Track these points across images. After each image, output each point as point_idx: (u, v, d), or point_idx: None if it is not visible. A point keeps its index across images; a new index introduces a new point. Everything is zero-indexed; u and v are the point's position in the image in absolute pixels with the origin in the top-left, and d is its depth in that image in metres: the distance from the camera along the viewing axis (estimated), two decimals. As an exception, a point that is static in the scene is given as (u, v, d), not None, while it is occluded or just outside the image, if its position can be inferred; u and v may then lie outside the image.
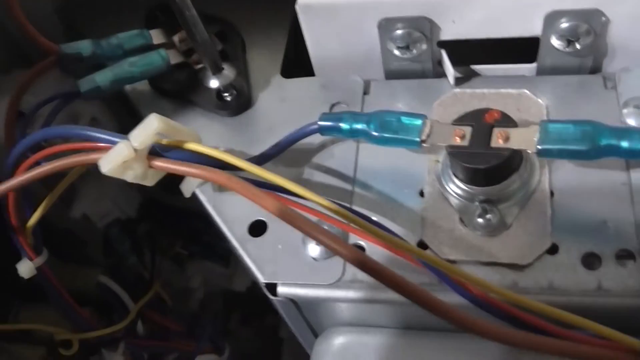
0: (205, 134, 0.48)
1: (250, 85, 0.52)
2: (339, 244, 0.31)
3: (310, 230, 0.32)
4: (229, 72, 0.51)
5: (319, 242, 0.32)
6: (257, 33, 0.56)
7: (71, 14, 0.60)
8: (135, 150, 0.38)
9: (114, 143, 0.38)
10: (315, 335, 0.47)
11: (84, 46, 0.50)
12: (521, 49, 0.46)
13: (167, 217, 0.76)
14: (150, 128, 0.38)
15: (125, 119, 0.58)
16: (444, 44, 0.46)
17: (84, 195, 0.63)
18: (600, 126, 0.36)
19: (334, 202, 0.38)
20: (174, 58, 0.52)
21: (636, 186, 0.40)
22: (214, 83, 0.51)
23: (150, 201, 0.72)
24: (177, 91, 0.53)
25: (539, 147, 0.37)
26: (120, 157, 0.37)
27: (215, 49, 0.50)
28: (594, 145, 0.36)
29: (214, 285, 0.82)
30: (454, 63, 0.48)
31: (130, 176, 0.39)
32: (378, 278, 0.30)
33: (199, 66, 0.52)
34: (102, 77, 0.49)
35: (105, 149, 0.39)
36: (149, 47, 0.52)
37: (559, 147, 0.37)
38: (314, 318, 0.46)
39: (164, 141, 0.40)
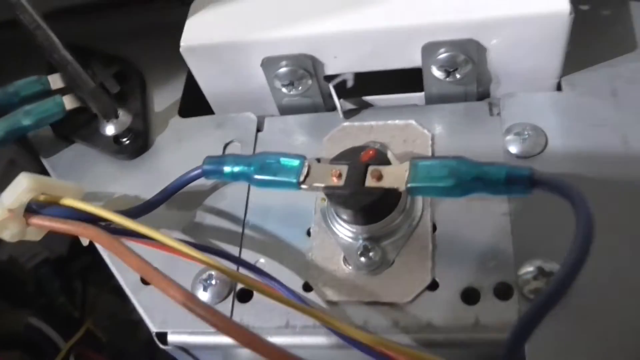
0: (105, 179, 0.49)
1: (149, 126, 0.51)
2: (194, 303, 0.31)
3: (171, 293, 0.32)
4: (124, 117, 0.50)
5: (177, 303, 0.32)
6: (157, 71, 0.55)
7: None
8: (9, 210, 0.38)
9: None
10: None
11: (-22, 94, 0.50)
12: (410, 78, 0.46)
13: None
14: (20, 188, 0.38)
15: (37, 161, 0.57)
16: (330, 78, 0.46)
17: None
18: (466, 162, 0.36)
19: (212, 254, 0.37)
20: (71, 103, 0.51)
21: (516, 216, 0.39)
22: (109, 129, 0.50)
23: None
24: (76, 136, 0.52)
25: (409, 185, 0.37)
26: (-8, 219, 0.37)
27: (104, 97, 0.49)
28: (460, 181, 0.36)
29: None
30: (346, 95, 0.48)
31: (7, 235, 0.39)
32: (213, 326, 0.30)
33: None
34: (-5, 128, 0.48)
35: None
36: (48, 93, 0.52)
37: (426, 185, 0.36)
38: (211, 363, 0.46)
39: (41, 197, 0.40)
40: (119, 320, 0.77)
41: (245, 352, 0.41)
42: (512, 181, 0.35)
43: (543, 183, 0.34)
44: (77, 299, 0.71)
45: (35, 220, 0.39)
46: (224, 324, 0.31)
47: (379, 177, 0.38)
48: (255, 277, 0.40)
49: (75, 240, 0.67)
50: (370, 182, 0.38)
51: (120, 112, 0.50)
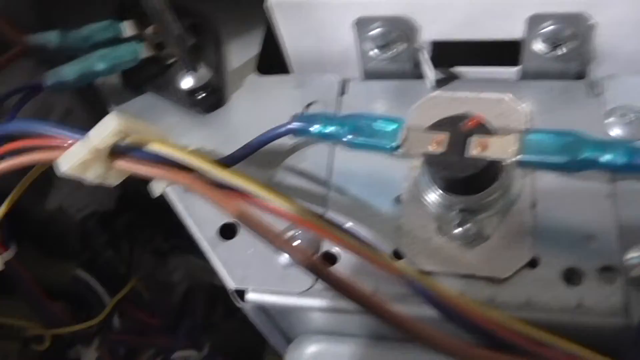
0: (177, 132, 0.47)
1: (224, 82, 0.50)
2: (296, 252, 0.30)
3: (269, 237, 0.31)
4: (204, 71, 0.49)
5: (278, 249, 0.30)
6: (233, 26, 0.54)
7: (46, 5, 0.57)
8: (95, 149, 0.36)
9: (75, 140, 0.36)
10: (288, 341, 0.46)
11: (51, 37, 0.48)
12: (506, 52, 0.45)
13: (148, 210, 0.74)
14: (110, 127, 0.37)
15: (102, 110, 0.56)
16: (424, 45, 0.45)
17: (60, 187, 0.62)
18: (582, 138, 0.35)
19: (305, 207, 0.36)
20: (145, 51, 0.50)
21: (621, 199, 0.38)
22: (187, 82, 0.48)
23: (131, 193, 0.70)
24: (148, 86, 0.50)
25: (517, 158, 0.35)
26: (77, 158, 0.35)
27: (186, 46, 0.47)
28: (575, 158, 0.34)
29: (197, 279, 0.80)
30: (435, 64, 0.46)
31: (90, 176, 0.38)
32: (335, 288, 0.28)
33: (171, 61, 0.50)
34: (68, 71, 0.47)
35: (66, 147, 0.37)
36: (120, 40, 0.50)
37: (537, 159, 0.35)
38: (285, 325, 0.44)
39: (128, 139, 0.38)
40: (155, 282, 0.76)
41: (322, 316, 0.40)
42: (634, 160, 0.33)
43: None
44: (124, 253, 0.70)
45: (121, 162, 0.37)
46: (332, 279, 0.29)
47: (484, 147, 0.37)
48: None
49: (122, 195, 0.66)
50: (473, 151, 0.37)
51: (200, 65, 0.49)
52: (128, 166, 0.38)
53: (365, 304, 0.28)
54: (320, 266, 0.29)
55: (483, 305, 0.33)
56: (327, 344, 0.42)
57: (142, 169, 0.37)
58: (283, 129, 0.41)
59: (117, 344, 0.68)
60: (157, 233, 0.76)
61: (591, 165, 0.34)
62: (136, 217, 0.72)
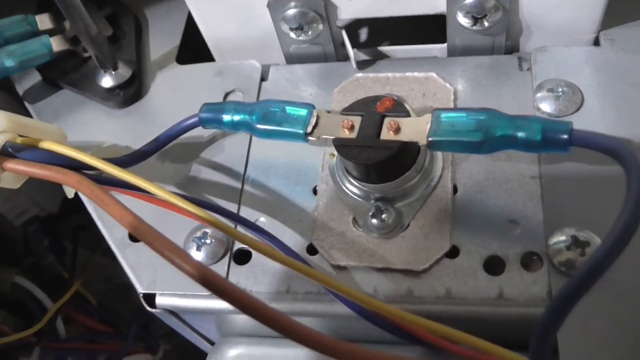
0: (94, 127, 0.45)
1: (143, 73, 0.47)
2: (184, 261, 0.27)
3: (159, 248, 0.28)
4: (123, 69, 0.46)
5: (166, 259, 0.28)
6: (154, 13, 0.51)
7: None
8: (-19, 152, 0.34)
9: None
10: (211, 343, 0.43)
11: (-43, 34, 0.45)
12: (431, 27, 0.42)
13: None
14: (-5, 128, 0.34)
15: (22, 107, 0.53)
16: (344, 25, 0.42)
17: (-3, 192, 0.59)
18: (496, 115, 0.32)
19: (209, 210, 0.33)
20: (59, 45, 0.47)
21: (547, 179, 0.35)
22: (106, 81, 0.46)
23: (77, 195, 0.67)
24: (63, 81, 0.48)
25: (430, 139, 0.32)
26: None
27: (106, 45, 0.44)
28: (489, 136, 0.31)
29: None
30: (360, 44, 0.43)
31: (-21, 180, 0.35)
32: (222, 297, 0.26)
33: (87, 54, 0.47)
34: (-25, 68, 0.44)
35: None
36: (34, 34, 0.47)
37: (451, 139, 0.32)
38: (205, 330, 0.42)
39: (18, 140, 0.36)
40: (113, 284, 0.73)
41: (241, 318, 0.37)
42: (549, 136, 0.31)
43: (586, 140, 0.30)
44: (67, 259, 0.67)
45: (11, 164, 0.35)
46: (218, 285, 0.27)
47: (397, 130, 0.34)
48: (255, 236, 0.36)
49: (67, 198, 0.63)
50: (386, 134, 0.34)
51: (120, 64, 0.46)
52: (18, 168, 0.35)
53: (236, 303, 0.26)
54: (212, 279, 0.27)
55: (390, 303, 0.30)
56: (249, 346, 0.39)
57: (31, 171, 0.35)
58: (191, 120, 0.39)
59: (64, 353, 0.65)
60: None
61: (506, 144, 0.32)
62: (85, 219, 0.69)
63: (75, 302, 0.66)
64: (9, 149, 0.35)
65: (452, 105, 0.39)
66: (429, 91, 0.40)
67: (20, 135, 0.36)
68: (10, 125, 0.35)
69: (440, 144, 0.33)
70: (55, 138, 0.37)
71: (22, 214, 0.63)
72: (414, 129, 0.34)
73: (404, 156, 0.35)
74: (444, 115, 0.33)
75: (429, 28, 0.42)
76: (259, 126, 0.37)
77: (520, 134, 0.31)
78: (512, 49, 0.42)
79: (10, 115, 0.35)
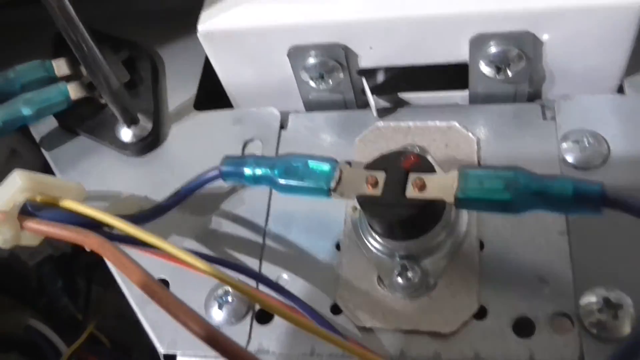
0: (111, 176, 0.44)
1: (161, 120, 0.47)
2: (192, 326, 0.27)
3: (169, 309, 0.27)
4: (142, 122, 0.45)
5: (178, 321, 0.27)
6: (171, 57, 0.51)
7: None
8: (1, 212, 0.33)
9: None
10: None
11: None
12: (453, 75, 0.41)
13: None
14: (14, 187, 0.34)
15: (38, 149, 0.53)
16: (364, 72, 0.41)
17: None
18: (522, 174, 0.31)
19: (229, 268, 0.33)
20: (77, 92, 0.47)
21: (575, 235, 0.34)
22: (126, 134, 0.45)
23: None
24: (80, 128, 0.47)
25: (458, 196, 0.32)
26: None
27: (127, 100, 0.44)
28: (518, 196, 0.31)
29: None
30: (380, 91, 0.43)
31: (-1, 241, 0.35)
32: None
33: (104, 101, 0.47)
34: (-7, 117, 0.44)
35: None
36: (51, 79, 0.47)
37: (479, 198, 0.31)
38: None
39: (38, 198, 0.35)
40: (126, 321, 0.73)
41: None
42: (580, 198, 0.30)
43: (618, 202, 0.29)
44: (81, 299, 0.67)
45: (31, 224, 0.35)
46: (230, 350, 0.26)
47: (422, 187, 0.33)
48: (277, 296, 0.35)
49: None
50: (411, 192, 0.33)
51: (138, 117, 0.45)
52: (38, 228, 0.35)
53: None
54: (224, 343, 0.26)
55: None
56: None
57: (52, 232, 0.34)
58: (211, 173, 0.38)
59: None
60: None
61: (535, 204, 0.31)
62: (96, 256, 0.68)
63: (88, 344, 0.65)
64: (29, 208, 0.35)
65: (475, 157, 0.38)
66: (451, 142, 0.40)
67: (40, 193, 0.35)
68: (30, 184, 0.34)
69: (469, 203, 0.32)
70: (75, 195, 0.37)
71: (36, 254, 0.62)
72: (439, 186, 0.33)
73: (430, 213, 0.34)
74: (471, 172, 0.32)
75: (449, 74, 0.41)
76: (281, 181, 0.36)
77: (550, 194, 0.30)
78: (534, 95, 0.41)
79: (30, 175, 0.35)
